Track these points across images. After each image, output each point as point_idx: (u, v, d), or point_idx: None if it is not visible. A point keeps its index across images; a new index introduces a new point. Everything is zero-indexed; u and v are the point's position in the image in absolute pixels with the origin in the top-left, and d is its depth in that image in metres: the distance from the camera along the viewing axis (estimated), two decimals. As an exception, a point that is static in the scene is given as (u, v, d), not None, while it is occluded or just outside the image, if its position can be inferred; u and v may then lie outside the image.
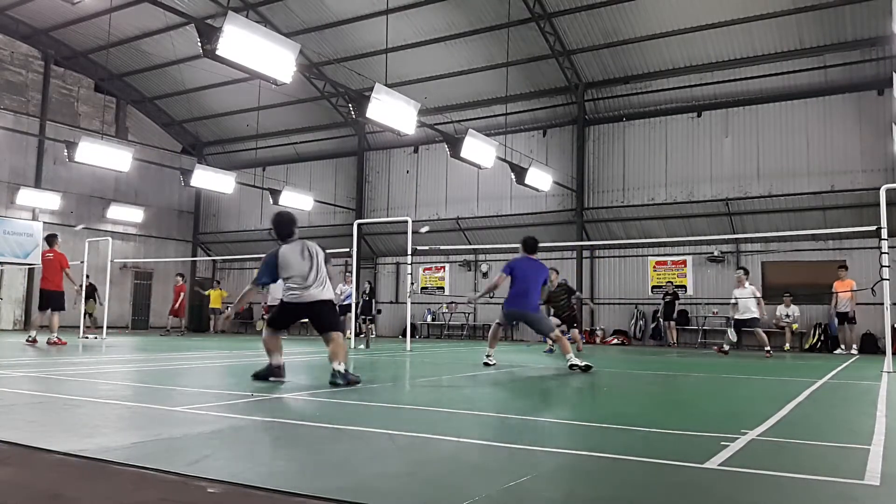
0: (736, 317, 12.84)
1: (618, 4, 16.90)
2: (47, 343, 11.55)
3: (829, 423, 4.46)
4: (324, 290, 6.16)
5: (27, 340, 11.77)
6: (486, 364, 8.67)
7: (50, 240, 12.67)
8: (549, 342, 12.00)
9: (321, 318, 6.15)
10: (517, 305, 8.62)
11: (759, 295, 12.82)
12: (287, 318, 6.37)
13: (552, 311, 12.69)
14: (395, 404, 4.83)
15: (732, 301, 12.93)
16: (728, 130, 18.14)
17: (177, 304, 20.58)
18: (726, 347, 13.09)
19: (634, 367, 9.39)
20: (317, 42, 20.00)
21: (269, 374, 6.09)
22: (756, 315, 12.56)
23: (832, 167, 16.77)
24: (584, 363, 7.93)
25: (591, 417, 4.45)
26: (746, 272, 13.17)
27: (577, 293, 14.41)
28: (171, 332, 20.42)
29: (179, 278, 21.14)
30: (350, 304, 14.14)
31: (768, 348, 12.49)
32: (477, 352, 12.49)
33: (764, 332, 12.72)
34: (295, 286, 6.10)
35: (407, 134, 13.92)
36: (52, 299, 12.06)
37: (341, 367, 5.80)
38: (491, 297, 9.44)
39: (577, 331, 13.23)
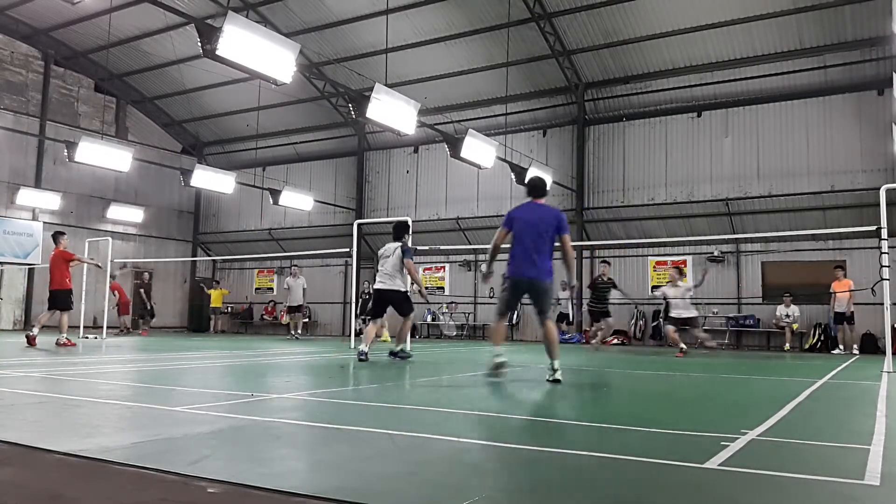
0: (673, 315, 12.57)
1: (618, 4, 16.90)
2: (56, 344, 11.33)
3: (829, 423, 4.46)
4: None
5: (27, 337, 11.39)
6: (496, 369, 6.24)
7: (53, 238, 12.47)
8: (681, 350, 11.76)
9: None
10: (518, 270, 6.35)
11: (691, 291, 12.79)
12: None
13: (589, 300, 13.54)
14: (395, 404, 4.83)
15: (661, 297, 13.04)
16: (728, 130, 18.14)
17: (116, 303, 19.74)
18: (684, 347, 12.41)
19: (634, 367, 9.39)
20: (317, 42, 20.00)
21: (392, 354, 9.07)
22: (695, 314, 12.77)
23: (832, 167, 16.77)
24: (554, 377, 6.09)
25: (591, 417, 4.45)
26: (681, 272, 13.18)
27: (620, 288, 14.65)
28: (130, 331, 19.74)
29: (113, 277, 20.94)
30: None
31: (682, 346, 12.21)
32: (477, 352, 12.48)
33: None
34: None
35: (407, 134, 13.93)
36: (56, 299, 11.83)
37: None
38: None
39: (610, 320, 14.01)
